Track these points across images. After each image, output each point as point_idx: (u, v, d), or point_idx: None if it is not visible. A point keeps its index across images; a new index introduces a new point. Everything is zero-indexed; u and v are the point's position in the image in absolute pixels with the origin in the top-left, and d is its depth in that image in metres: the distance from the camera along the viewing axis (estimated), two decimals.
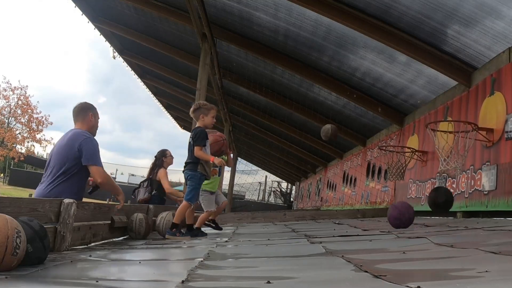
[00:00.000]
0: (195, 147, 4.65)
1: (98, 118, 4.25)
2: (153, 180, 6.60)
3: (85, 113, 4.13)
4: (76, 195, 3.71)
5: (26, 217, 2.44)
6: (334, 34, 7.78)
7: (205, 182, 5.10)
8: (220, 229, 5.87)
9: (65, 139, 4.02)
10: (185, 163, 4.81)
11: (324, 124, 11.81)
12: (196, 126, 4.88)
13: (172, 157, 6.87)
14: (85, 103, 4.24)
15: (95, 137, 4.11)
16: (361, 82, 9.06)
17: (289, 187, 31.71)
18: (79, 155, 3.88)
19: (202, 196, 5.26)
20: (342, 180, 14.13)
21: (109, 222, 4.36)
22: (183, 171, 4.89)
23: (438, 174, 7.14)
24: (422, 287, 1.49)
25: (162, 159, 6.68)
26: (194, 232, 4.95)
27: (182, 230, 4.80)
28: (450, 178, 6.76)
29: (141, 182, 6.94)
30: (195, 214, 5.62)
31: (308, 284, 1.77)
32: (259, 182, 34.71)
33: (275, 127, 15.04)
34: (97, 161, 3.95)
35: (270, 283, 1.70)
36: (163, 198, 6.63)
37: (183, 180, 5.71)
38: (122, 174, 37.88)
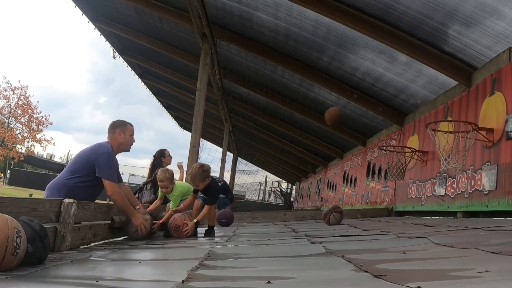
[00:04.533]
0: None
1: (131, 134, 4.47)
2: (155, 181, 6.62)
3: (113, 131, 4.42)
4: (78, 197, 3.77)
5: (26, 217, 2.44)
6: (334, 34, 7.78)
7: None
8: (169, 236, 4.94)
9: (89, 147, 4.39)
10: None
11: (324, 124, 11.86)
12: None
13: (170, 157, 6.88)
14: (117, 121, 4.52)
15: (127, 152, 4.55)
16: (361, 82, 9.06)
17: (289, 187, 31.69)
18: (93, 165, 4.18)
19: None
20: (342, 180, 14.13)
21: (109, 222, 4.36)
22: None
23: (438, 174, 7.15)
24: (422, 287, 1.49)
25: (161, 159, 6.70)
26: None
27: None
28: (450, 178, 6.76)
29: (143, 184, 6.95)
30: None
31: (308, 284, 1.77)
32: (259, 182, 34.69)
33: (275, 127, 15.04)
34: (109, 176, 4.20)
35: (270, 283, 1.70)
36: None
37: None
38: (122, 174, 37.76)
